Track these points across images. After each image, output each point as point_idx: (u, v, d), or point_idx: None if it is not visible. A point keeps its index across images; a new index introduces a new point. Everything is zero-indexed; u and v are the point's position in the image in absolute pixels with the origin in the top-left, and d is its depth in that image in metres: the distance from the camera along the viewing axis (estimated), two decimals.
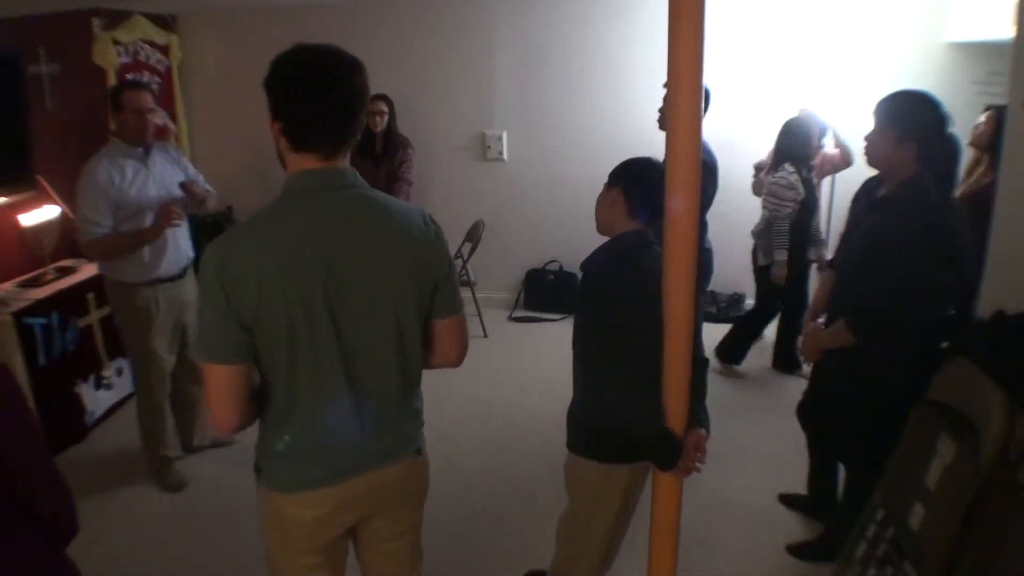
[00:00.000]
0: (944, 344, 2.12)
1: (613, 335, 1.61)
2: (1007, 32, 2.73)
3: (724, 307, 4.72)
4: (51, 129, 3.93)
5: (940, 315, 2.20)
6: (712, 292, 4.71)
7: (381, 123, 4.15)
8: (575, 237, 4.04)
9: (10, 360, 2.94)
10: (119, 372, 3.63)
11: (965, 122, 3.21)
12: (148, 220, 2.72)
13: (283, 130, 1.28)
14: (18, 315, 3.07)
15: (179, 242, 2.89)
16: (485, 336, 4.57)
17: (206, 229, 4.36)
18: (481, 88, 4.79)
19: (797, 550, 2.51)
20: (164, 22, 4.67)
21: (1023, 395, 1.67)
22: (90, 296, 3.49)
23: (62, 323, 3.27)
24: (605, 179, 1.81)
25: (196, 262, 3.02)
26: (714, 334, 3.96)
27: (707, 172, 2.13)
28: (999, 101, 2.98)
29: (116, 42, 4.15)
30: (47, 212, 3.64)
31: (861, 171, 2.28)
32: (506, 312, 4.99)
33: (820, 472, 2.61)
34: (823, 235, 3.85)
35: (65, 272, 3.59)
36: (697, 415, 1.54)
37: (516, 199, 4.93)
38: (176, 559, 2.57)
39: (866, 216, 2.19)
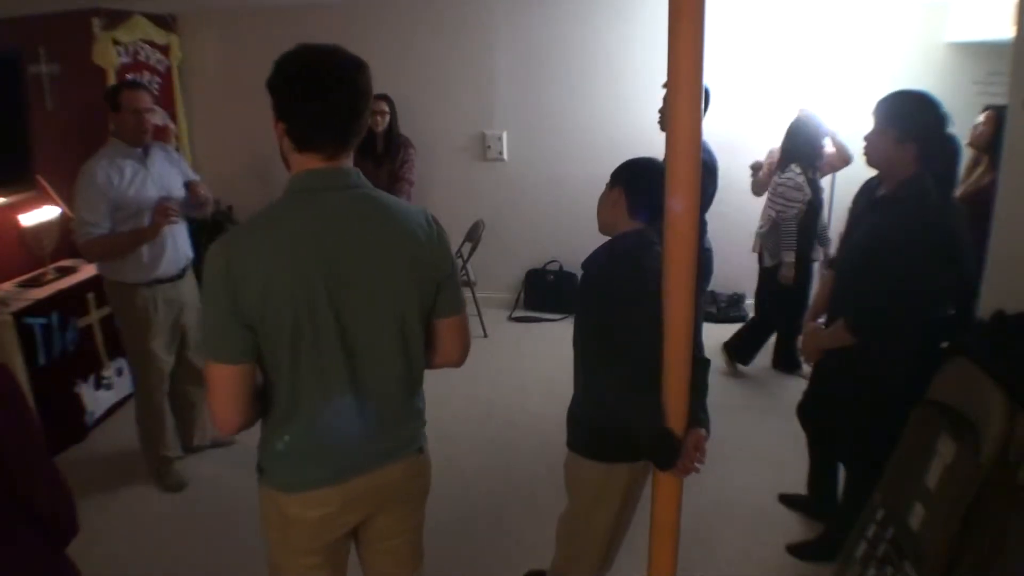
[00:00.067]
0: (944, 344, 2.12)
1: (613, 335, 1.62)
2: (1007, 32, 2.74)
3: (724, 307, 4.72)
4: (51, 129, 3.93)
5: (940, 315, 2.20)
6: (712, 292, 4.71)
7: (382, 123, 4.14)
8: (575, 237, 4.05)
9: (10, 360, 2.94)
10: (119, 372, 3.63)
11: (965, 122, 3.21)
12: (147, 220, 2.72)
13: (287, 130, 1.28)
14: (18, 315, 3.07)
15: (178, 242, 2.89)
16: (485, 336, 4.57)
17: (206, 229, 4.35)
18: (481, 88, 4.79)
19: (797, 550, 2.51)
20: (164, 22, 4.67)
21: (1023, 395, 1.67)
22: (90, 296, 3.49)
23: (62, 323, 3.27)
24: (605, 179, 1.81)
25: (195, 263, 3.03)
26: (714, 334, 3.96)
27: (707, 172, 2.13)
28: (999, 101, 2.98)
29: (116, 42, 4.15)
30: (47, 212, 3.64)
31: (861, 171, 2.28)
32: (506, 312, 4.99)
33: (820, 472, 2.61)
34: (829, 234, 3.85)
35: (65, 272, 3.59)
36: (697, 415, 1.54)
37: (516, 199, 4.94)
38: (176, 559, 2.57)
39: (866, 216, 2.19)
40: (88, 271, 3.53)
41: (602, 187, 1.82)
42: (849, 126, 3.53)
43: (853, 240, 2.24)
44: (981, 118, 3.26)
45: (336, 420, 1.35)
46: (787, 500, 2.78)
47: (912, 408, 2.02)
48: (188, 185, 2.87)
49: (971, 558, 1.68)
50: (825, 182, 3.82)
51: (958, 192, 2.96)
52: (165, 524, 2.78)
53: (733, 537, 2.61)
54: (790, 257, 3.58)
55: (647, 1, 4.33)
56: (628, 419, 1.58)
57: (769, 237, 3.68)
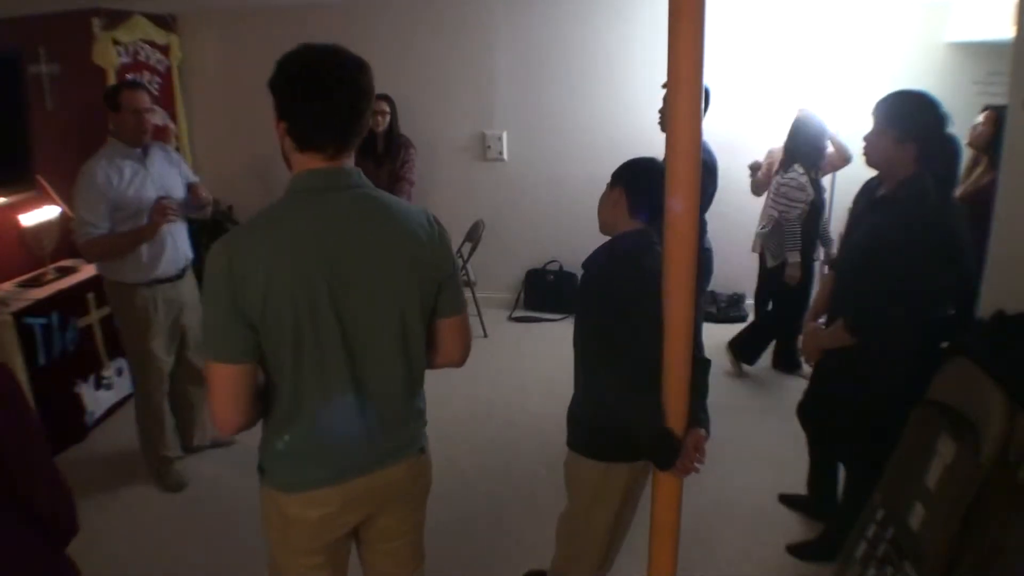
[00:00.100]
0: (944, 344, 2.12)
1: (613, 334, 1.62)
2: (1007, 32, 2.73)
3: (724, 307, 4.72)
4: (51, 129, 3.93)
5: (940, 315, 2.20)
6: (712, 292, 4.71)
7: (383, 123, 4.14)
8: (575, 237, 4.05)
9: (10, 360, 2.94)
10: (119, 372, 3.63)
11: (965, 122, 3.21)
12: (146, 220, 2.72)
13: (288, 130, 1.28)
14: (18, 315, 3.07)
15: (178, 242, 2.89)
16: (485, 336, 4.57)
17: (206, 229, 4.35)
18: (481, 88, 4.79)
19: (797, 550, 2.51)
20: (164, 22, 4.67)
21: (1023, 395, 1.67)
22: (90, 296, 3.49)
23: (62, 323, 3.27)
24: (605, 179, 1.81)
25: (195, 263, 3.03)
26: (714, 334, 3.96)
27: (707, 172, 2.13)
28: (999, 101, 2.98)
29: (116, 42, 4.15)
30: (47, 212, 3.64)
31: (861, 171, 2.28)
32: (506, 312, 4.99)
33: (820, 472, 2.61)
34: (831, 234, 3.85)
35: (65, 272, 3.59)
36: (697, 415, 1.54)
37: (516, 199, 4.94)
38: (176, 559, 2.57)
39: (865, 216, 2.19)
40: (88, 271, 3.53)
41: (602, 187, 1.82)
42: (849, 126, 3.53)
43: (853, 240, 2.24)
44: (980, 118, 3.26)
45: (337, 420, 1.35)
46: (787, 500, 2.78)
47: (912, 408, 2.02)
48: (191, 187, 2.88)
49: (971, 558, 1.68)
50: (825, 182, 3.82)
51: (957, 192, 2.96)
52: (165, 524, 2.78)
53: (733, 537, 2.61)
54: (795, 257, 3.58)
55: (647, 1, 4.33)
56: (628, 419, 1.59)
57: (771, 237, 3.68)
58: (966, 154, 3.13)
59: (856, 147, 2.26)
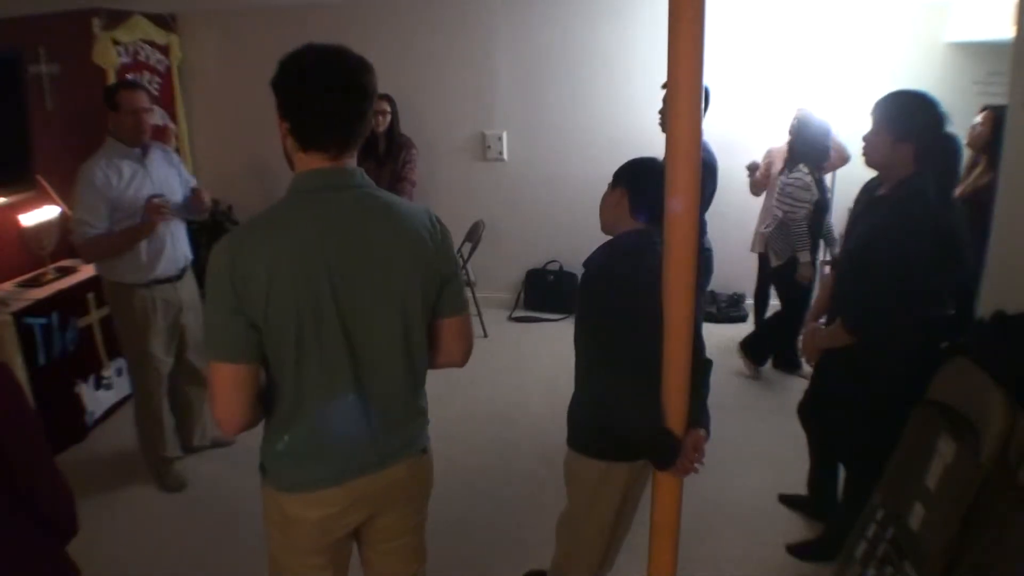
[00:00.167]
0: (944, 344, 2.12)
1: (613, 334, 1.62)
2: (1007, 32, 2.74)
3: (724, 307, 4.72)
4: (51, 129, 3.93)
5: (940, 315, 2.20)
6: (712, 292, 4.71)
7: (384, 123, 4.14)
8: (575, 237, 4.05)
9: (10, 360, 2.94)
10: (119, 372, 3.63)
11: (965, 122, 3.21)
12: (140, 220, 2.71)
13: (291, 129, 1.28)
14: (18, 315, 3.07)
15: (177, 243, 2.89)
16: (485, 336, 4.57)
17: (206, 229, 4.36)
18: (481, 88, 4.79)
19: (797, 550, 2.51)
20: (164, 22, 4.67)
21: (1023, 395, 1.67)
22: (90, 296, 3.49)
23: (62, 323, 3.27)
24: (605, 179, 1.81)
25: (194, 263, 3.03)
26: (714, 334, 3.96)
27: (707, 172, 2.13)
28: (999, 101, 2.98)
29: (116, 42, 4.15)
30: (47, 212, 3.64)
31: (861, 171, 2.28)
32: (506, 312, 4.99)
33: (820, 472, 2.61)
34: (835, 234, 3.85)
35: (65, 272, 3.59)
36: (697, 415, 1.54)
37: (516, 199, 4.94)
38: (176, 559, 2.57)
39: (865, 216, 2.19)
40: (88, 271, 3.52)
41: (602, 187, 1.82)
42: (849, 126, 3.53)
43: (852, 240, 2.24)
44: (979, 118, 3.26)
45: (339, 420, 1.35)
46: (787, 500, 2.78)
47: (912, 408, 2.02)
48: (194, 191, 2.89)
49: (971, 558, 1.68)
50: (825, 182, 3.82)
51: (956, 192, 2.96)
52: (165, 524, 2.78)
53: (733, 537, 2.61)
54: (806, 257, 3.59)
55: (647, 1, 4.33)
56: (627, 419, 1.59)
57: (776, 237, 3.68)
58: (965, 154, 3.13)
59: (856, 147, 2.26)
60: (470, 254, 4.63)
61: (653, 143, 2.13)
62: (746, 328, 4.46)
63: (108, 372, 3.58)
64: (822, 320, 2.36)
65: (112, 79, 4.03)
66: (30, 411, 1.24)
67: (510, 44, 4.68)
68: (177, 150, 4.24)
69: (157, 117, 4.39)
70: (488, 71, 4.75)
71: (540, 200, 4.90)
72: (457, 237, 4.49)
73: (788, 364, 3.93)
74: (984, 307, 2.17)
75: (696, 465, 1.52)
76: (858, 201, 2.33)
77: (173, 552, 2.61)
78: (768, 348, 3.94)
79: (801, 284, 3.64)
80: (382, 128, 4.14)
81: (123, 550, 2.61)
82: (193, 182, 2.99)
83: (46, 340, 3.17)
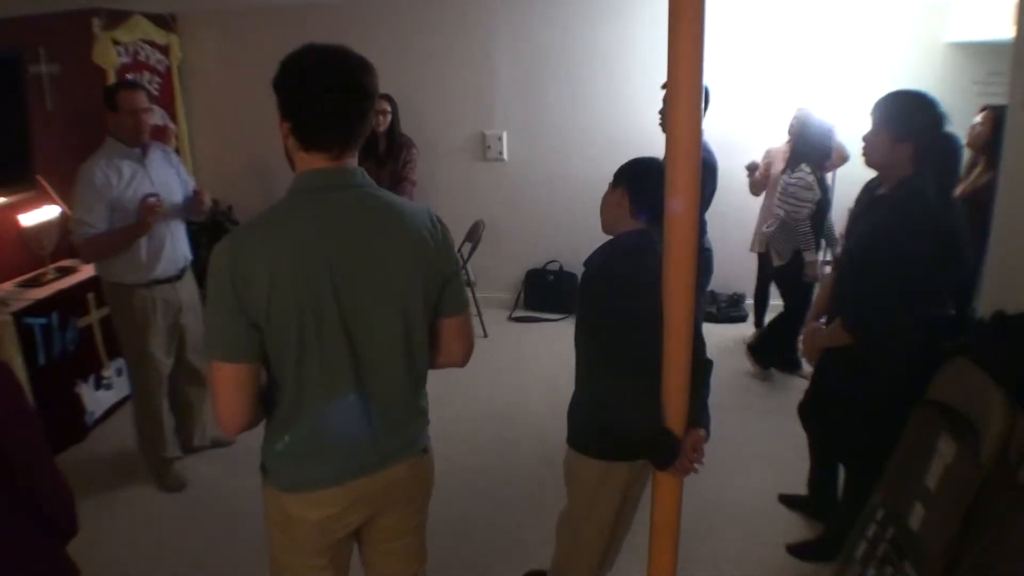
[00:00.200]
0: (944, 344, 2.12)
1: (613, 334, 1.62)
2: (1007, 32, 2.74)
3: (724, 307, 4.72)
4: (51, 129, 3.93)
5: (940, 315, 2.20)
6: (712, 292, 4.71)
7: (384, 123, 4.14)
8: (575, 237, 4.05)
9: (10, 360, 2.94)
10: (119, 372, 3.63)
11: (965, 122, 3.22)
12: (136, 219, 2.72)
13: (292, 129, 1.28)
14: (18, 315, 3.07)
15: (176, 243, 2.89)
16: (485, 336, 4.57)
17: (206, 230, 4.36)
18: (481, 88, 4.79)
19: (797, 550, 2.51)
20: (164, 22, 4.67)
21: (1023, 395, 1.67)
22: (90, 296, 3.49)
23: (62, 323, 3.27)
24: (605, 179, 1.81)
25: (194, 264, 3.03)
26: (714, 334, 3.96)
27: (707, 171, 2.13)
28: (999, 101, 2.99)
29: (116, 42, 4.15)
30: (47, 212, 3.64)
31: (861, 171, 2.28)
32: (506, 312, 4.99)
33: (820, 472, 2.61)
34: (835, 234, 3.86)
35: (65, 272, 3.59)
36: (697, 415, 1.54)
37: (516, 199, 4.94)
38: (176, 559, 2.57)
39: (865, 216, 2.20)
40: (88, 271, 3.52)
41: (602, 187, 1.82)
42: (848, 126, 3.53)
43: (852, 240, 2.24)
44: (978, 118, 3.26)
45: (340, 419, 1.35)
46: (787, 500, 2.78)
47: (912, 408, 2.02)
48: (195, 193, 2.90)
49: (971, 558, 1.68)
50: (826, 181, 3.83)
51: (956, 192, 2.96)
52: (165, 524, 2.78)
53: (733, 537, 2.61)
54: (811, 256, 3.60)
55: (647, 1, 4.33)
56: (627, 418, 1.59)
57: (778, 237, 3.68)
58: (965, 154, 3.13)
59: (856, 147, 2.26)
60: (470, 254, 4.63)
61: (653, 143, 2.13)
62: (746, 328, 4.47)
63: (108, 372, 3.59)
64: (822, 320, 2.36)
65: (112, 79, 4.02)
66: (30, 411, 1.24)
67: (510, 44, 4.68)
68: (177, 150, 4.24)
69: (157, 117, 4.40)
70: (488, 71, 4.75)
71: (540, 200, 4.90)
72: (457, 237, 4.48)
73: (788, 364, 3.93)
74: (984, 307, 2.17)
75: (696, 465, 1.52)
76: (858, 201, 2.33)
77: (173, 552, 2.61)
78: (774, 348, 3.94)
79: (804, 283, 3.64)
80: (383, 128, 4.14)
81: (123, 550, 2.61)
82: (192, 182, 2.99)
83: (46, 340, 3.17)
